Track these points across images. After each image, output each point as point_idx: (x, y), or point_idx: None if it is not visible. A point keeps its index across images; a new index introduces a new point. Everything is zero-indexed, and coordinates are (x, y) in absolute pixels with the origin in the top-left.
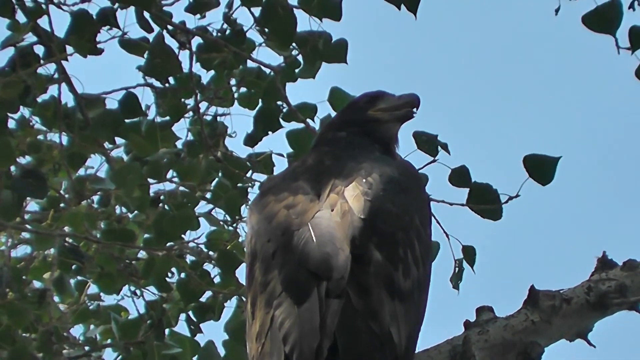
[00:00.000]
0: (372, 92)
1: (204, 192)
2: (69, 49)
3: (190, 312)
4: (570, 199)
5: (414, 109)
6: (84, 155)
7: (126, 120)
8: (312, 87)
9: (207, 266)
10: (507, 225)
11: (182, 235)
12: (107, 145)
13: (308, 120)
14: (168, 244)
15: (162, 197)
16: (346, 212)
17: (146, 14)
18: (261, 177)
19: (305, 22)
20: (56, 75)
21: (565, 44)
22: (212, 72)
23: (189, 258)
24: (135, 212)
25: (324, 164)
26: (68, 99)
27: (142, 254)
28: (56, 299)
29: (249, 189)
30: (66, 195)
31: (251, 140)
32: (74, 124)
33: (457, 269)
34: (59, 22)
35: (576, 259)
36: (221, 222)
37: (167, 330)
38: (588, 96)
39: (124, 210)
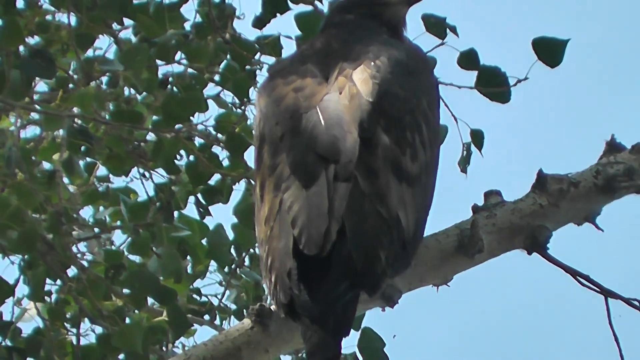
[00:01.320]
0: None
1: (212, 74)
2: None
3: (198, 195)
4: (579, 81)
5: None
6: (92, 36)
7: (134, 1)
8: None
9: (216, 149)
10: (515, 108)
11: (191, 118)
12: (115, 26)
13: (316, 2)
14: (176, 126)
15: (170, 79)
16: (354, 95)
17: None
18: (269, 59)
19: None
20: None
21: None
22: None
23: (198, 140)
24: (144, 93)
25: (332, 47)
26: None
27: (150, 136)
28: (65, 180)
29: (257, 72)
30: (75, 76)
31: (259, 22)
32: (82, 4)
33: (465, 152)
34: None
35: (584, 142)
36: (229, 105)
37: (175, 213)
38: None
39: (132, 91)
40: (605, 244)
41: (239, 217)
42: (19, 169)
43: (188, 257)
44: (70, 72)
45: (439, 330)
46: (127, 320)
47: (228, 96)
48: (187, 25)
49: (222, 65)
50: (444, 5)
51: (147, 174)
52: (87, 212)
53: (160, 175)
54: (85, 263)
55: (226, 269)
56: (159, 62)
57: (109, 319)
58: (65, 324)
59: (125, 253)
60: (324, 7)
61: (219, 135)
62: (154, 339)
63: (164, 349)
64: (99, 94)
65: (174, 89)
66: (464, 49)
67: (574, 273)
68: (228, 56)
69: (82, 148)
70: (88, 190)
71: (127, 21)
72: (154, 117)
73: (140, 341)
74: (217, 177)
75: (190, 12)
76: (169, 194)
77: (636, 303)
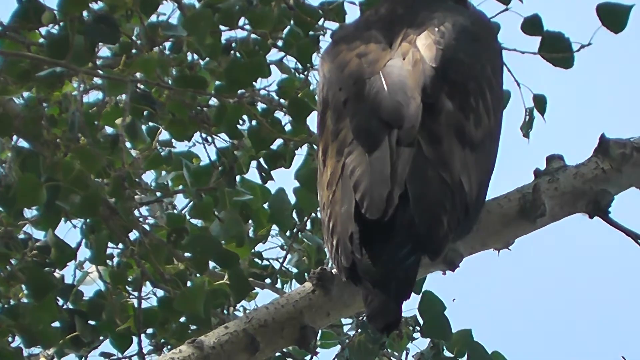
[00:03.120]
0: None
1: (275, 39)
2: None
3: (261, 160)
4: None
5: None
6: (156, 1)
7: None
8: None
9: (278, 114)
10: (578, 74)
11: (254, 83)
12: None
13: None
14: (239, 92)
15: (233, 44)
16: (418, 60)
17: None
18: (333, 25)
19: None
20: None
21: None
22: None
23: (260, 106)
24: (207, 59)
25: (397, 13)
26: None
27: (213, 101)
28: (128, 144)
29: (321, 37)
30: (138, 42)
31: None
32: None
33: (527, 117)
34: None
35: None
36: (292, 70)
37: (238, 177)
38: None
39: (195, 57)
40: None
41: (301, 181)
42: (82, 134)
43: (250, 221)
44: (134, 38)
45: (499, 294)
46: (189, 284)
47: (291, 62)
48: None
49: (285, 31)
50: None
51: (209, 139)
52: (149, 177)
53: (222, 140)
54: (147, 227)
55: (288, 233)
56: (222, 27)
57: (170, 282)
58: (127, 287)
59: (188, 217)
60: None
61: (282, 100)
62: (215, 303)
63: (225, 312)
64: (162, 59)
65: (237, 54)
66: (528, 14)
67: (636, 237)
68: (292, 22)
69: (145, 113)
70: (151, 154)
71: None
72: (217, 83)
73: (202, 305)
74: (279, 142)
75: None
76: (231, 159)
77: None
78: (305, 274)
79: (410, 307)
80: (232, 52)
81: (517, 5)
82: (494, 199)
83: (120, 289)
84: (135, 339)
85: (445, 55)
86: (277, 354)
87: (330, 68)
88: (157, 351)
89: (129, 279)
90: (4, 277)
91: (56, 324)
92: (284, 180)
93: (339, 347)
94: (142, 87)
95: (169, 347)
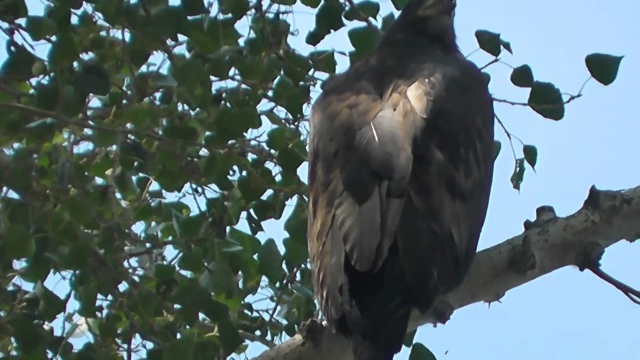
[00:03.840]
0: None
1: (265, 90)
2: None
3: (251, 210)
4: (632, 98)
5: None
6: (146, 51)
7: (188, 17)
8: None
9: (269, 164)
10: (568, 125)
11: (244, 133)
12: (169, 42)
13: (370, 18)
14: (229, 142)
15: (224, 95)
16: (408, 111)
17: None
18: (323, 75)
19: None
20: None
21: None
22: None
23: (250, 156)
24: (197, 109)
25: (387, 64)
26: None
27: (203, 151)
28: (118, 195)
29: (311, 88)
30: (128, 92)
31: (313, 38)
32: (137, 20)
33: (518, 168)
34: None
35: (638, 159)
36: (283, 120)
37: (227, 228)
38: None
39: (185, 107)
40: None
41: (291, 232)
42: (72, 185)
43: (239, 273)
44: (124, 88)
45: (490, 346)
46: (178, 336)
47: (281, 112)
48: (241, 41)
49: (275, 81)
50: (498, 21)
51: (199, 190)
52: (139, 227)
53: (212, 191)
54: (136, 278)
55: (277, 284)
56: (212, 77)
57: (160, 334)
58: (116, 339)
59: (177, 268)
60: (378, 23)
61: (272, 151)
62: (205, 355)
63: None
64: (152, 110)
65: (227, 104)
66: (518, 65)
67: (626, 289)
68: (282, 72)
69: (135, 163)
70: (140, 205)
71: (181, 37)
72: (207, 133)
73: (192, 357)
74: (269, 192)
75: (244, 28)
76: (221, 209)
77: None
78: (295, 326)
79: (401, 359)
80: (222, 102)
81: (507, 56)
82: (484, 251)
83: (110, 341)
84: None
85: (435, 106)
86: None
87: (320, 119)
88: None
89: (119, 331)
90: None
91: None
92: (274, 231)
93: None
94: (132, 137)
95: None
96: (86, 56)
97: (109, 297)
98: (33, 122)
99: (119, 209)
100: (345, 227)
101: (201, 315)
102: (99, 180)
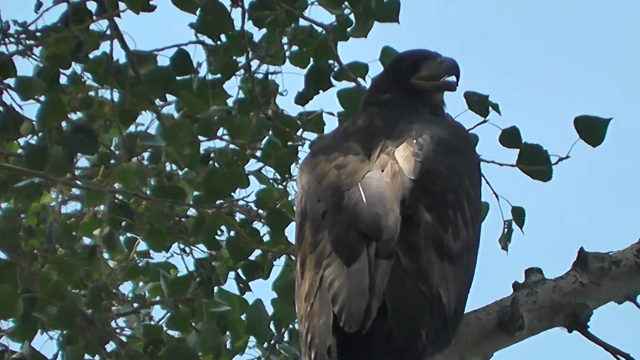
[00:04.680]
0: (414, 54)
1: (254, 150)
2: (122, 5)
3: (239, 270)
4: (620, 160)
5: (455, 79)
6: (135, 111)
7: (177, 78)
8: (363, 46)
9: (257, 224)
10: (557, 186)
11: (232, 193)
12: (158, 102)
13: (359, 79)
14: (218, 202)
15: (212, 155)
16: (396, 172)
17: None
18: (312, 135)
19: None
20: (108, 32)
21: (621, 2)
22: (264, 30)
23: (239, 216)
24: (186, 169)
25: (375, 125)
26: (120, 56)
27: (191, 211)
28: (106, 255)
29: (299, 148)
30: (117, 152)
31: (302, 98)
32: (126, 80)
33: (506, 229)
34: None
35: (626, 221)
36: (271, 181)
37: (215, 288)
38: None
39: (174, 167)
40: None
41: (279, 292)
42: (60, 245)
43: (227, 333)
44: (113, 148)
45: None
46: None
47: (269, 172)
48: (230, 101)
49: (264, 141)
50: (486, 83)
51: (187, 249)
52: (126, 287)
53: (200, 251)
54: (124, 338)
55: (265, 345)
56: (201, 137)
57: None
58: None
59: (165, 328)
60: (367, 83)
61: (260, 211)
62: None
63: None
64: (140, 170)
65: (216, 164)
66: (506, 126)
67: (615, 351)
68: (270, 132)
69: (123, 223)
70: (128, 265)
71: (170, 97)
72: (196, 193)
73: None
74: (257, 252)
75: (233, 89)
76: (209, 270)
77: None
78: None
79: None
80: (210, 162)
81: (495, 117)
82: (473, 312)
83: None
84: None
85: (423, 167)
86: None
87: (308, 179)
88: None
89: None
90: None
91: None
92: (262, 291)
93: None
94: (120, 197)
95: None
96: (75, 116)
97: (97, 357)
98: (21, 182)
99: (107, 269)
100: (334, 288)
101: None
102: (86, 240)
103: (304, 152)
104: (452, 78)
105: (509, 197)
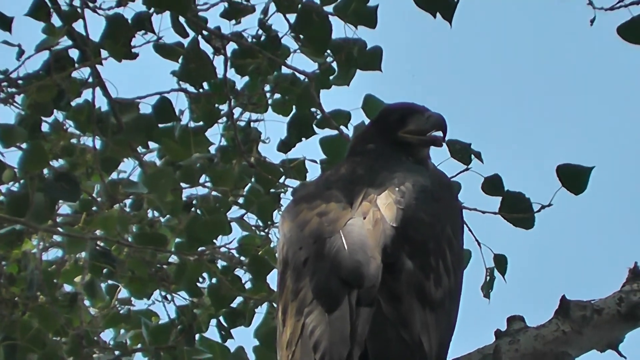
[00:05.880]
0: (402, 107)
1: (236, 197)
2: (104, 53)
3: (221, 318)
4: (603, 208)
5: (442, 134)
6: (117, 159)
7: (160, 125)
8: (346, 94)
9: (239, 271)
10: (539, 234)
11: (214, 240)
12: (140, 149)
13: (342, 127)
14: (200, 249)
15: (194, 202)
16: (378, 220)
17: (181, 19)
18: (294, 183)
19: (340, 29)
20: (90, 80)
21: (600, 54)
22: (246, 78)
23: (221, 263)
24: (168, 216)
25: (357, 173)
26: (102, 103)
27: (173, 258)
28: (87, 302)
29: (282, 195)
30: (99, 199)
31: (284, 146)
32: (108, 128)
33: (488, 277)
34: (94, 26)
35: (608, 269)
36: (253, 228)
37: (197, 336)
38: (622, 106)
39: (156, 214)
40: None
41: (260, 340)
42: (41, 292)
43: None
44: (94, 195)
45: None
46: None
47: (252, 219)
48: (212, 149)
49: (246, 188)
50: (468, 131)
51: (169, 297)
52: (108, 335)
53: (182, 298)
54: None
55: None
56: (183, 185)
57: None
58: None
59: None
60: (350, 131)
61: (242, 258)
62: None
63: None
64: (122, 217)
65: (198, 211)
66: (489, 174)
67: None
68: (253, 179)
69: (105, 271)
70: (109, 313)
71: (152, 144)
72: (177, 240)
73: None
74: (239, 299)
75: (215, 136)
76: (190, 317)
77: None
78: None
79: None
80: (192, 209)
81: (477, 165)
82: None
83: None
84: None
85: (405, 214)
86: None
87: (290, 227)
88: None
89: None
90: None
91: None
92: (244, 338)
93: None
94: (102, 244)
95: None
96: (57, 163)
97: None
98: (2, 229)
99: (88, 317)
100: (315, 336)
101: None
102: (68, 288)
103: (286, 199)
104: (439, 133)
105: (491, 244)
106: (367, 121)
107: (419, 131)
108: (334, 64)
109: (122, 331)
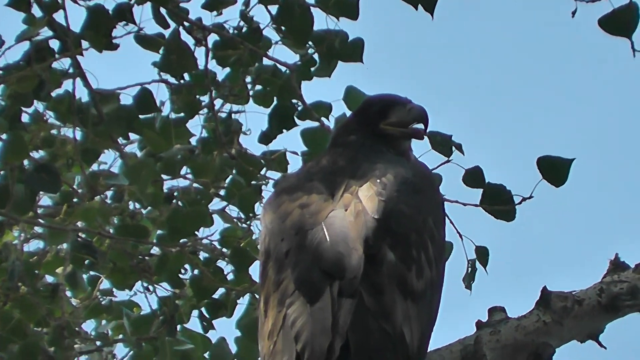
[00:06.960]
0: (384, 99)
1: (217, 189)
2: (85, 43)
3: (202, 309)
4: (584, 200)
5: (423, 126)
6: (97, 150)
7: (140, 116)
8: (327, 86)
9: (221, 263)
10: (520, 226)
11: (196, 232)
12: (121, 140)
13: (323, 118)
14: (181, 241)
15: (175, 194)
16: (360, 212)
17: (162, 10)
18: (275, 174)
19: (322, 20)
20: (71, 70)
21: (581, 46)
22: (227, 70)
23: (202, 255)
24: (149, 208)
25: (338, 165)
26: (82, 94)
27: (155, 250)
28: (68, 293)
29: (263, 187)
30: (79, 190)
31: (266, 138)
32: (88, 119)
33: (469, 269)
34: (75, 17)
35: (588, 260)
36: (235, 220)
37: (179, 327)
38: (603, 98)
39: (137, 205)
40: None
41: (242, 330)
42: (22, 283)
43: None
44: (75, 187)
45: None
46: None
47: (233, 211)
48: (194, 140)
49: (227, 180)
50: (449, 123)
51: (150, 288)
52: (89, 326)
53: (164, 289)
54: None
55: None
56: (164, 176)
57: None
58: None
59: None
60: (331, 123)
61: (224, 249)
62: None
63: None
64: (103, 208)
65: (179, 203)
66: (470, 166)
67: None
68: (234, 171)
69: (86, 262)
70: (91, 304)
71: (133, 136)
72: (159, 231)
73: None
74: (221, 291)
75: (196, 127)
76: (172, 308)
77: None
78: None
79: None
80: (174, 201)
81: (459, 157)
82: (436, 350)
83: None
84: None
85: (387, 206)
86: None
87: (272, 219)
88: None
89: None
90: None
91: None
92: (226, 329)
93: None
94: (83, 236)
95: None
96: (37, 154)
97: None
98: None
99: (70, 308)
100: (297, 327)
101: None
102: (49, 279)
103: (267, 191)
104: (420, 126)
105: (472, 236)
106: (348, 113)
107: (401, 123)
108: (316, 56)
109: (103, 322)
